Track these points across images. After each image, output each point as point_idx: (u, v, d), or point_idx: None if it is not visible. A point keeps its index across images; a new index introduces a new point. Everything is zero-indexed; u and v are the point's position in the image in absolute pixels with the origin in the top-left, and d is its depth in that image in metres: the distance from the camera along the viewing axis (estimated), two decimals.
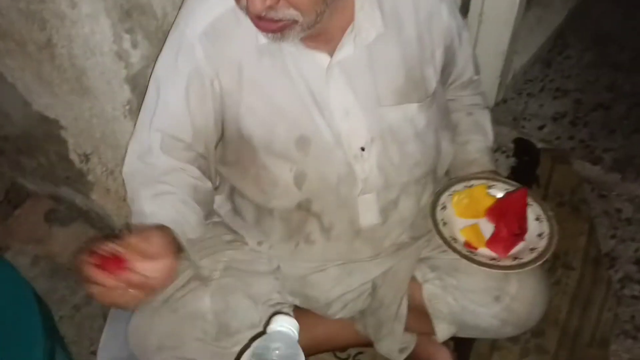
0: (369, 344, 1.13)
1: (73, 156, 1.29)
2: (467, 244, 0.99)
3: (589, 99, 1.69)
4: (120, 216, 1.29)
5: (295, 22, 0.77)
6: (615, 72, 1.76)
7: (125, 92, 1.05)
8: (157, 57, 0.96)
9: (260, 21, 0.77)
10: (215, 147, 0.97)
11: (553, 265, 1.24)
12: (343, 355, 1.22)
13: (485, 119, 1.15)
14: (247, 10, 0.77)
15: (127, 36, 0.98)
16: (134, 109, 1.08)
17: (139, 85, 1.05)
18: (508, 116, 1.57)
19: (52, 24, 1.01)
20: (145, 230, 0.79)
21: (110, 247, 0.72)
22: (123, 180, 1.21)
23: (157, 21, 1.00)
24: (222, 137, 0.97)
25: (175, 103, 0.90)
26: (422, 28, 0.93)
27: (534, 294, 1.00)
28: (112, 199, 1.28)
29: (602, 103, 1.68)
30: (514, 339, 1.15)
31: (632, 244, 1.32)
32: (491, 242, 0.99)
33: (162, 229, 0.82)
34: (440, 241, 0.98)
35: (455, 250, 0.96)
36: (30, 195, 1.50)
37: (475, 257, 0.95)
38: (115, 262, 0.70)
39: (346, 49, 0.87)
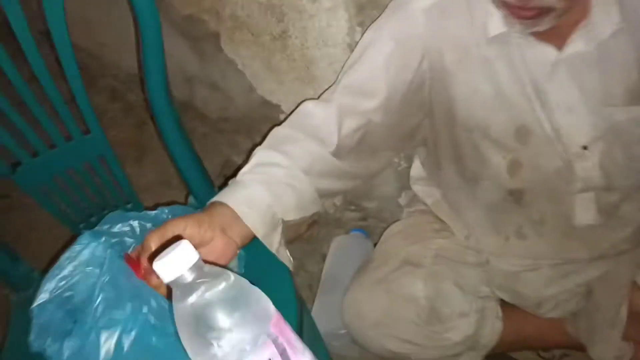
0: (577, 347, 1.09)
1: None
2: None
3: None
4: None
5: (551, 9, 0.75)
6: None
7: None
8: None
9: (517, 9, 0.76)
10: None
11: None
12: (547, 355, 1.18)
13: None
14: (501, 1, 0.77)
15: (358, 29, 1.03)
16: None
17: None
18: None
19: (290, 17, 1.10)
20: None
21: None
22: None
23: None
24: (424, 118, 0.97)
25: (374, 63, 0.90)
26: None
27: None
28: None
29: None
30: None
31: None
32: None
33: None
34: None
35: None
36: None
37: None
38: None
39: (577, 44, 0.83)
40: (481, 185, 0.98)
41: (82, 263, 0.65)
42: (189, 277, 0.49)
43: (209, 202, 0.79)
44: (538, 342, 1.14)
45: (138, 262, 0.68)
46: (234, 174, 0.82)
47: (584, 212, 0.94)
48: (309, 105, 0.92)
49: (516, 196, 0.97)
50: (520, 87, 0.88)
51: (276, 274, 0.80)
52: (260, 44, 1.23)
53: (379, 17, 0.91)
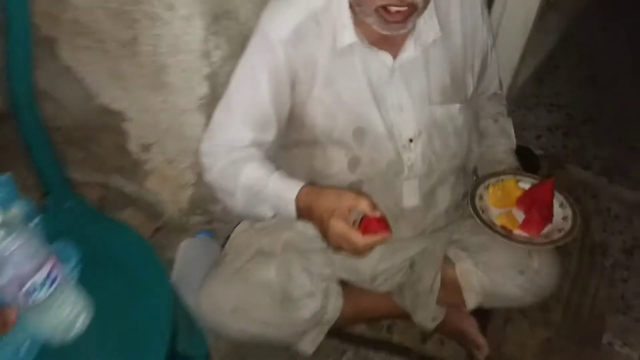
0: (403, 316, 1.28)
1: (132, 146, 1.39)
2: (503, 228, 1.15)
3: (579, 114, 1.90)
4: (176, 202, 1.40)
5: (415, 8, 0.92)
6: (602, 90, 1.99)
7: (204, 88, 1.18)
8: (236, 57, 1.10)
9: (390, 14, 0.92)
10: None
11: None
12: (377, 326, 1.36)
13: (509, 126, 1.33)
14: (381, 6, 0.92)
15: (212, 38, 1.12)
16: (208, 104, 1.21)
17: (216, 83, 1.19)
18: (514, 124, 1.77)
19: (142, 24, 1.13)
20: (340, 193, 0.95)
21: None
22: (182, 168, 1.35)
23: (240, 26, 1.14)
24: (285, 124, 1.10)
25: (259, 96, 1.03)
26: (467, 38, 1.10)
27: (551, 269, 1.18)
28: (169, 185, 1.39)
29: (591, 117, 1.90)
30: (524, 313, 1.32)
31: (620, 236, 1.53)
32: (524, 226, 1.15)
33: None
34: (479, 224, 1.14)
35: (496, 232, 1.12)
36: (78, 185, 1.59)
37: (514, 237, 1.12)
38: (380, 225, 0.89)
39: (409, 50, 1.03)
40: (325, 183, 1.13)
41: None
42: None
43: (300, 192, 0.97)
44: (372, 313, 1.31)
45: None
46: None
47: (410, 197, 1.14)
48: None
49: (355, 188, 1.12)
50: (359, 92, 1.04)
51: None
52: (105, 50, 1.23)
53: (245, 47, 1.04)
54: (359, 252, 0.91)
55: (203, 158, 1.10)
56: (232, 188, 1.05)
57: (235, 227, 1.26)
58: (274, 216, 1.05)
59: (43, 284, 0.71)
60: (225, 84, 1.17)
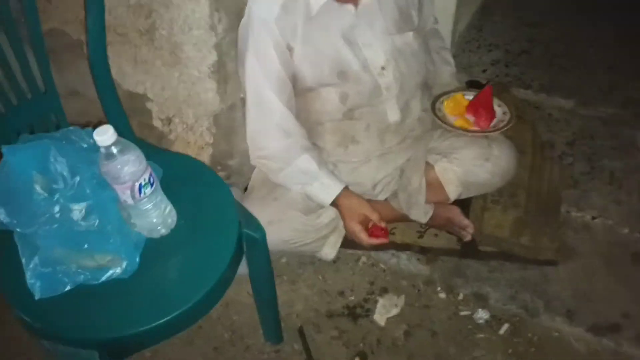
0: (401, 218, 1.58)
1: (156, 122, 1.67)
2: (462, 128, 1.48)
3: (515, 48, 2.25)
4: (200, 158, 1.67)
5: None
6: (532, 28, 2.36)
7: (213, 56, 1.46)
8: (234, 28, 1.39)
9: None
10: None
11: None
12: None
13: (449, 56, 1.67)
14: None
15: (216, 13, 1.40)
16: (217, 70, 1.49)
17: (221, 51, 1.47)
18: (458, 66, 2.10)
19: (158, 12, 1.42)
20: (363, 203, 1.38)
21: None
22: (201, 132, 1.63)
23: (234, 2, 1.43)
24: None
25: (277, 67, 1.31)
26: None
27: (509, 153, 1.50)
28: (191, 148, 1.66)
29: (525, 50, 2.25)
30: (496, 202, 1.63)
31: (562, 133, 1.88)
32: (476, 123, 1.49)
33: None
34: (443, 130, 1.47)
35: (456, 131, 1.44)
36: None
37: (472, 132, 1.45)
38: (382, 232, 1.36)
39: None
40: (325, 118, 1.43)
41: None
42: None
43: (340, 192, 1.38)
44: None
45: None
46: None
47: (392, 112, 1.45)
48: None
49: (349, 116, 1.43)
50: (334, 43, 1.34)
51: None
52: (126, 42, 1.51)
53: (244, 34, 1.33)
54: (363, 245, 1.37)
55: (251, 142, 1.40)
56: (285, 166, 1.37)
57: (252, 174, 1.55)
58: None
59: (147, 183, 0.98)
60: (228, 51, 1.48)
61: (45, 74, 1.08)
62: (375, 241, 1.36)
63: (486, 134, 1.48)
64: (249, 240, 1.12)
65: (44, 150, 0.98)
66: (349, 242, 1.51)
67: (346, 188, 1.38)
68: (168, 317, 0.93)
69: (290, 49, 1.32)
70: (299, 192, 1.40)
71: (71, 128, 1.07)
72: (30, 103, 1.08)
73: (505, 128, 1.45)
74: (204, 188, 1.15)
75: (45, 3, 1.56)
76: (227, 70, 1.51)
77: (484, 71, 2.15)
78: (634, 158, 1.78)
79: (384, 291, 1.53)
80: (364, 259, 1.61)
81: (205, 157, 1.67)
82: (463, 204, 1.60)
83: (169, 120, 1.65)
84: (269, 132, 1.37)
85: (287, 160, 1.37)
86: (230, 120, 1.61)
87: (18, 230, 0.96)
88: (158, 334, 0.96)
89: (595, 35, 2.32)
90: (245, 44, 1.33)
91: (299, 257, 1.59)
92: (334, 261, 1.58)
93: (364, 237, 1.35)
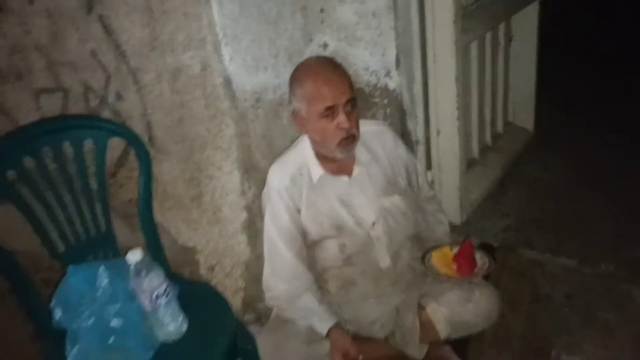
0: (399, 356, 1.76)
1: (202, 271, 2.06)
2: (447, 276, 1.73)
3: (526, 217, 2.52)
4: (233, 304, 2.00)
5: (355, 138, 1.63)
6: (543, 201, 2.63)
7: (243, 215, 1.89)
8: (259, 193, 1.82)
9: (346, 141, 1.61)
10: None
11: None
12: None
13: (443, 217, 1.98)
14: (339, 137, 1.60)
15: (246, 183, 1.85)
16: (247, 226, 1.90)
17: (251, 211, 1.89)
18: (471, 231, 2.38)
19: (204, 183, 1.89)
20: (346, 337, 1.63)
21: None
22: (235, 278, 1.98)
23: (261, 174, 1.88)
24: None
25: (287, 224, 1.69)
26: (390, 158, 1.79)
27: (489, 296, 1.71)
28: (227, 292, 2.01)
29: (535, 219, 2.52)
30: (491, 344, 1.78)
31: (561, 288, 2.03)
32: (459, 271, 1.73)
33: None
34: (433, 278, 1.73)
35: (443, 279, 1.70)
36: None
37: (455, 279, 1.69)
38: None
39: (356, 170, 1.72)
40: (328, 265, 1.75)
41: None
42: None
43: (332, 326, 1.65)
44: (375, 355, 1.79)
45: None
46: None
47: (383, 259, 1.74)
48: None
49: (347, 262, 1.74)
50: (332, 205, 1.71)
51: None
52: (180, 207, 1.98)
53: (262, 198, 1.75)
54: None
55: (265, 285, 1.75)
56: (290, 305, 1.70)
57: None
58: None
59: (163, 294, 1.32)
60: (257, 212, 1.89)
61: (106, 218, 1.52)
62: None
63: (468, 279, 1.71)
64: (242, 351, 1.39)
65: (94, 270, 1.36)
66: None
67: (338, 324, 1.64)
68: None
69: (298, 210, 1.71)
70: (304, 325, 1.67)
71: (119, 258, 1.46)
72: (95, 238, 1.51)
73: (484, 274, 1.69)
74: (211, 305, 1.47)
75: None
76: (256, 226, 1.91)
77: (495, 236, 2.40)
78: (628, 310, 1.89)
79: None
80: None
81: (238, 300, 2.00)
82: (460, 346, 1.77)
83: (212, 269, 2.04)
84: (279, 276, 1.71)
85: (291, 299, 1.68)
86: (259, 267, 1.95)
87: (68, 324, 1.31)
88: None
89: (605, 207, 2.55)
90: (264, 206, 1.73)
91: None
92: None
93: None
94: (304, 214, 1.70)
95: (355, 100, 1.62)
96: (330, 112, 1.57)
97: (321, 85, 1.57)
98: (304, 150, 1.71)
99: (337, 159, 1.68)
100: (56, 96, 2.06)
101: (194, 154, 1.85)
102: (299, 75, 1.64)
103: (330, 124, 1.58)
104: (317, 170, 1.69)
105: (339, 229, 1.71)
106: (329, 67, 1.62)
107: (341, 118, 1.57)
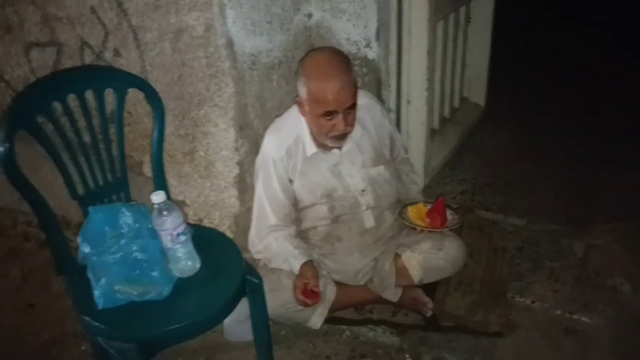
0: (378, 300, 1.98)
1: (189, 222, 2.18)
2: (420, 227, 1.94)
3: (480, 182, 2.80)
4: None
5: (347, 135, 1.80)
6: (494, 168, 2.91)
7: (235, 171, 2.02)
8: (253, 151, 1.96)
9: (338, 137, 1.77)
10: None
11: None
12: (362, 311, 2.05)
13: (416, 177, 2.20)
14: (332, 134, 1.76)
15: (240, 140, 1.99)
16: (239, 181, 2.04)
17: (243, 167, 2.03)
18: (433, 195, 2.62)
19: (199, 139, 2.01)
20: (312, 271, 1.77)
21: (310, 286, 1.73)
22: (224, 230, 2.12)
23: (254, 132, 2.02)
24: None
25: (278, 193, 1.85)
26: (378, 130, 1.98)
27: (457, 245, 1.95)
28: None
29: (488, 183, 2.79)
30: (456, 289, 2.02)
31: (513, 242, 2.32)
32: (432, 223, 1.95)
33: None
34: (408, 229, 1.94)
35: (419, 229, 1.91)
36: None
37: (427, 229, 1.91)
38: (313, 294, 1.72)
39: (347, 144, 1.89)
40: (318, 223, 1.93)
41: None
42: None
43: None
44: (357, 300, 2.01)
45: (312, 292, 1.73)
46: None
47: (368, 220, 1.94)
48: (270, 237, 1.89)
49: (334, 220, 1.92)
50: (325, 175, 1.88)
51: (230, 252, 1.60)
52: (174, 161, 2.09)
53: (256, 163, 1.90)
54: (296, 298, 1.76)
55: (251, 243, 1.93)
56: (270, 255, 1.88)
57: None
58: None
59: (183, 233, 1.46)
60: (247, 169, 2.03)
61: (122, 165, 1.63)
62: (301, 297, 1.73)
63: (439, 230, 1.93)
64: (251, 285, 1.55)
65: (115, 210, 1.48)
66: (336, 319, 1.91)
67: (309, 262, 1.81)
68: (186, 323, 1.36)
69: (290, 181, 1.87)
70: (287, 269, 1.84)
71: (134, 202, 1.58)
72: (112, 182, 1.62)
73: (454, 226, 1.92)
74: (222, 247, 1.62)
75: None
76: (246, 181, 2.05)
77: (454, 198, 2.66)
78: (569, 259, 2.19)
79: (362, 357, 1.88)
80: (347, 332, 1.99)
81: None
82: (429, 291, 2.00)
83: (200, 221, 2.16)
84: (262, 234, 1.88)
85: (272, 250, 1.86)
86: (247, 220, 2.10)
87: (94, 258, 1.42)
88: (180, 335, 1.38)
89: (548, 173, 2.86)
90: (257, 172, 1.89)
91: (294, 329, 1.97)
92: (324, 333, 1.95)
93: (296, 292, 1.74)
94: (296, 184, 1.87)
95: (355, 104, 1.75)
96: (330, 114, 1.71)
97: (328, 92, 1.66)
98: (300, 124, 1.85)
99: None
100: (49, 50, 2.11)
101: (191, 111, 1.97)
102: (310, 69, 1.72)
103: (327, 123, 1.73)
104: (311, 147, 1.85)
105: (329, 196, 1.89)
106: (339, 73, 1.68)
107: (339, 121, 1.71)
